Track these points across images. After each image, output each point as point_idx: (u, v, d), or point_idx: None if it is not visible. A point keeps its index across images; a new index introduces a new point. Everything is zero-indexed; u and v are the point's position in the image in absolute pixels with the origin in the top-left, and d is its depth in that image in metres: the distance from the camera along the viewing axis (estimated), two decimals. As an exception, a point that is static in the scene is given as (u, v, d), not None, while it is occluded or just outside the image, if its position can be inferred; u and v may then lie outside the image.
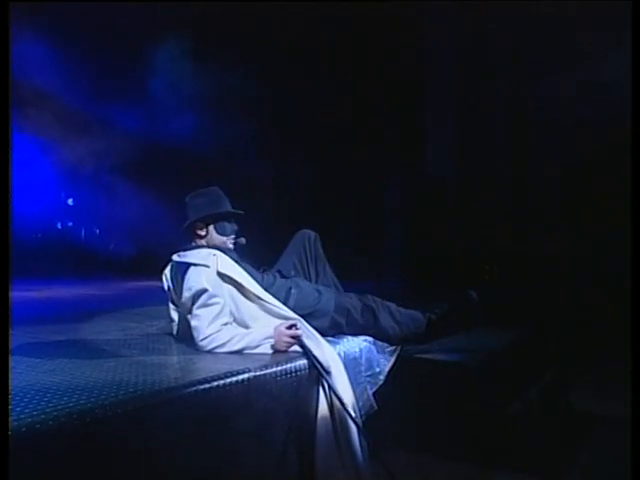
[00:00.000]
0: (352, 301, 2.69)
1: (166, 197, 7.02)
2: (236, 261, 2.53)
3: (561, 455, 2.79)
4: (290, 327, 2.33)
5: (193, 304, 2.37)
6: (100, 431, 1.54)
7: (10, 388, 1.61)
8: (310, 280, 2.81)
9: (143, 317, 3.42)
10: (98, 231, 7.82)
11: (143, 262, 7.03)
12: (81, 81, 6.67)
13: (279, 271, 2.80)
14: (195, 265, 2.42)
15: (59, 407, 1.50)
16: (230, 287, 2.42)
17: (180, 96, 6.50)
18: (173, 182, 6.86)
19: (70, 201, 7.67)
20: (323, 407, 2.19)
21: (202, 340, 2.32)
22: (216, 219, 2.64)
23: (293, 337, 2.30)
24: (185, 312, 2.45)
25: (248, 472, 1.96)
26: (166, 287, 2.65)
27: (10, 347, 1.94)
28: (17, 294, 4.24)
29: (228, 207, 2.69)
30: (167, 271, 2.64)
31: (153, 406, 1.68)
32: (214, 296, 2.35)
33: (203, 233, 2.64)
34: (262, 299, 2.44)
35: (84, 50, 6.51)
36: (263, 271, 2.72)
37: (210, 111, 6.50)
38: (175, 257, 2.60)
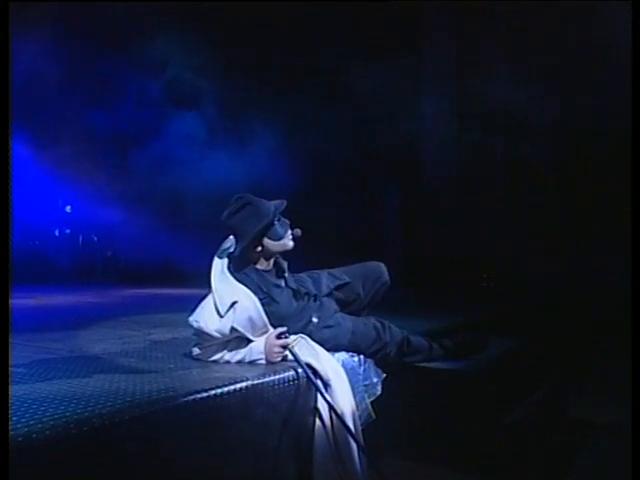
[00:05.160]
0: (366, 337, 2.56)
1: (164, 204, 7.05)
2: (268, 300, 2.38)
3: (560, 463, 2.78)
4: (279, 336, 2.28)
5: (195, 334, 2.35)
6: (97, 440, 1.53)
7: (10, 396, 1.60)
8: (348, 306, 2.67)
9: (141, 325, 3.41)
10: (96, 239, 7.80)
11: (141, 270, 7.02)
12: (78, 87, 6.71)
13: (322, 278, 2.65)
14: (215, 303, 2.28)
15: (56, 416, 1.49)
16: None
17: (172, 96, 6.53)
18: (170, 187, 6.89)
19: (68, 208, 7.65)
20: (321, 416, 2.18)
21: (197, 355, 2.34)
22: (266, 230, 2.42)
23: (283, 347, 2.26)
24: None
25: (245, 481, 1.96)
26: None
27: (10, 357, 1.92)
28: (14, 301, 4.21)
29: (269, 209, 2.42)
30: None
31: (150, 415, 1.67)
32: (217, 339, 2.29)
33: (259, 249, 2.44)
34: None
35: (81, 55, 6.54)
36: (304, 294, 2.54)
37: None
38: (216, 267, 2.37)
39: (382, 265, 2.78)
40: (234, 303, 2.26)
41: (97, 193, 7.10)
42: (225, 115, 6.57)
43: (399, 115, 6.19)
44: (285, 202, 2.48)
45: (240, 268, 2.42)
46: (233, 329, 2.24)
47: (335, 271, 2.72)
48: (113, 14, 6.22)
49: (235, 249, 2.43)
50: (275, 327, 2.35)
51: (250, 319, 2.28)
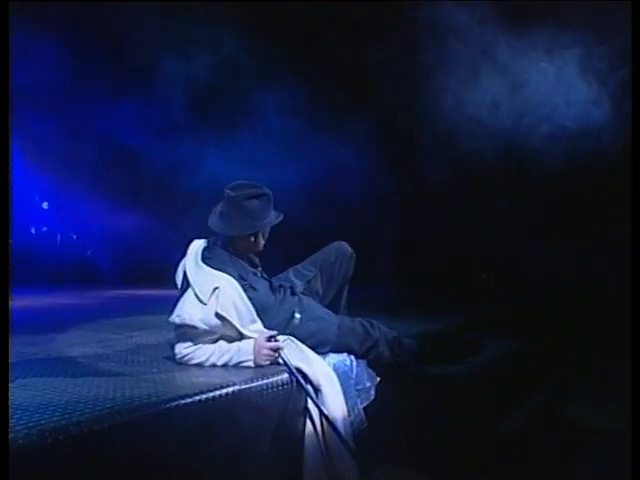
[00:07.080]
0: (355, 333, 2.54)
1: (150, 202, 6.95)
2: (247, 286, 2.35)
3: (559, 466, 2.75)
4: (269, 339, 2.23)
5: (176, 329, 2.27)
6: (75, 450, 1.47)
7: None
8: (325, 296, 2.72)
9: (122, 328, 3.35)
10: (75, 237, 7.62)
11: (123, 270, 6.89)
12: (68, 83, 6.57)
13: (299, 271, 2.73)
14: (195, 293, 2.23)
15: (30, 424, 1.43)
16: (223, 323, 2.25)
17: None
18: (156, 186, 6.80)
19: (45, 205, 7.44)
20: (312, 422, 2.13)
21: (180, 358, 2.26)
22: (267, 226, 2.53)
23: (273, 350, 2.21)
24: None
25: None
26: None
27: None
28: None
29: (271, 209, 2.53)
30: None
31: (132, 422, 1.62)
32: (202, 331, 2.22)
33: (252, 240, 2.48)
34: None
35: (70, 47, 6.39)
36: (278, 286, 2.58)
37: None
38: (189, 263, 2.34)
39: (343, 243, 2.86)
40: (216, 288, 2.22)
41: (76, 189, 6.96)
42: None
43: (398, 113, 6.16)
44: (282, 216, 2.55)
45: (229, 249, 2.44)
46: (218, 315, 2.18)
47: (299, 266, 2.79)
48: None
49: (230, 232, 2.44)
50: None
51: (235, 305, 2.24)
